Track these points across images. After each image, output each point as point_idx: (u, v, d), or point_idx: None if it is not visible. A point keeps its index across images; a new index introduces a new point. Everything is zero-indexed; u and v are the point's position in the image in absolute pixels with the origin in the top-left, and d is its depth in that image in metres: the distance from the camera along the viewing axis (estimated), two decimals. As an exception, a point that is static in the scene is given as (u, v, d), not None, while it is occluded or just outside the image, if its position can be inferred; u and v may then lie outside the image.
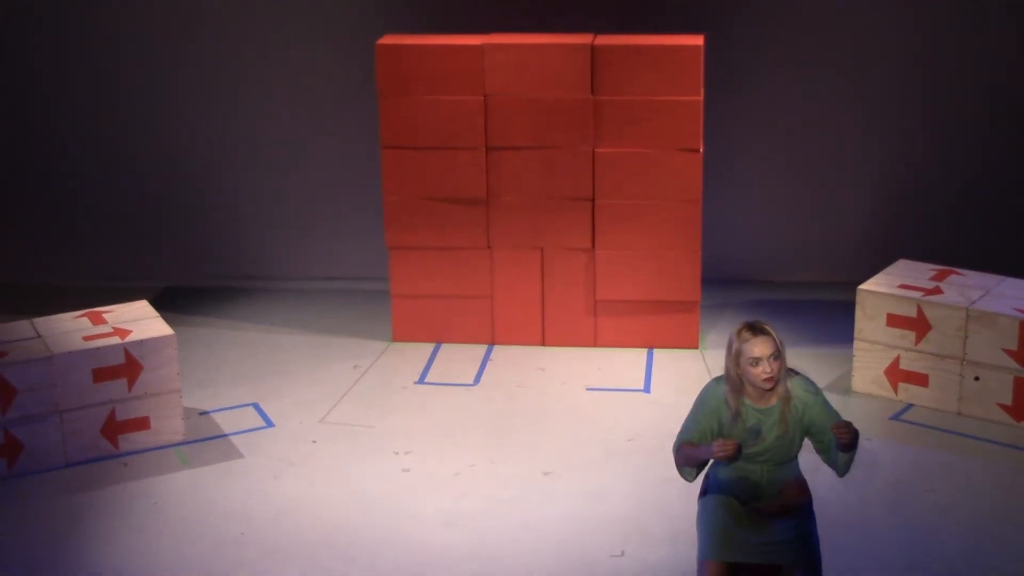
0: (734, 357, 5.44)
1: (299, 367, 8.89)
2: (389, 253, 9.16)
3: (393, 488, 7.33)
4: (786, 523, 5.53)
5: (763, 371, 5.39)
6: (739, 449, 5.32)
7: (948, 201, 9.96)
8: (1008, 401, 7.89)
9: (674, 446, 5.63)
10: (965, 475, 7.39)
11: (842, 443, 5.37)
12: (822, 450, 5.57)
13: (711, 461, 5.63)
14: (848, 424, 5.36)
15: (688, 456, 5.56)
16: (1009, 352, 7.84)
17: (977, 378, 7.96)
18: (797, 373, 5.58)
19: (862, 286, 8.31)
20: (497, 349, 9.13)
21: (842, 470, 5.53)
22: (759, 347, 5.39)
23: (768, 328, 5.43)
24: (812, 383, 5.58)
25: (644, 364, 8.86)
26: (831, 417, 5.51)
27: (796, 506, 5.58)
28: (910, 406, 8.17)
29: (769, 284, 10.04)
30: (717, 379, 5.60)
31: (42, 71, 10.14)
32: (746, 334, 5.42)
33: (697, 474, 5.68)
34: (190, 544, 6.81)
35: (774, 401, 5.48)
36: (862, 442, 7.53)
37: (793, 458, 5.57)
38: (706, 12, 9.61)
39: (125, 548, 6.78)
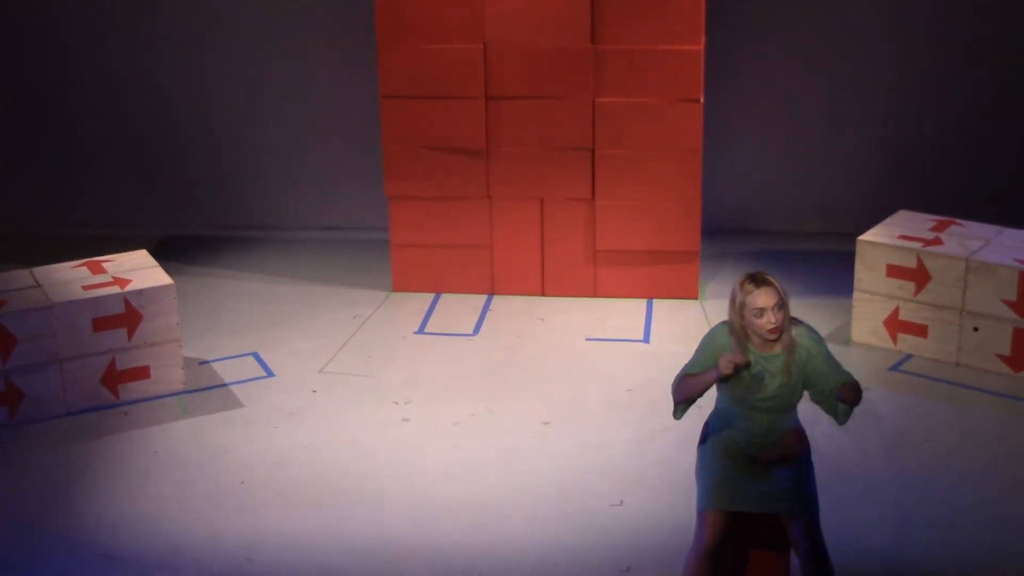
0: (738, 309, 5.43)
1: (299, 317, 8.89)
2: (389, 203, 9.14)
3: (393, 438, 7.36)
4: (784, 472, 5.55)
5: (768, 321, 5.39)
6: (747, 362, 5.35)
7: (949, 151, 9.93)
8: (1007, 351, 7.90)
9: (674, 381, 5.62)
10: (963, 425, 7.41)
11: (847, 403, 5.40)
12: (820, 400, 5.57)
13: (713, 410, 5.65)
14: (855, 387, 5.38)
15: (689, 387, 5.53)
16: (1008, 303, 7.84)
17: (976, 329, 7.97)
18: (801, 322, 5.58)
19: (862, 237, 8.30)
20: (497, 299, 9.13)
21: (841, 419, 5.55)
22: (763, 298, 5.39)
23: (771, 279, 5.43)
24: (815, 332, 5.57)
25: (644, 314, 8.86)
26: (833, 368, 5.51)
27: (794, 455, 5.59)
28: (909, 357, 8.19)
29: (769, 234, 10.02)
30: (723, 323, 5.60)
31: (35, 20, 10.07)
32: (749, 286, 5.41)
33: (685, 411, 5.66)
34: (191, 492, 6.84)
35: (777, 349, 5.48)
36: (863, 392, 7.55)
37: (794, 407, 5.58)
38: (707, -39, 9.55)
39: (126, 496, 6.81)
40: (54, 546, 6.40)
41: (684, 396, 5.59)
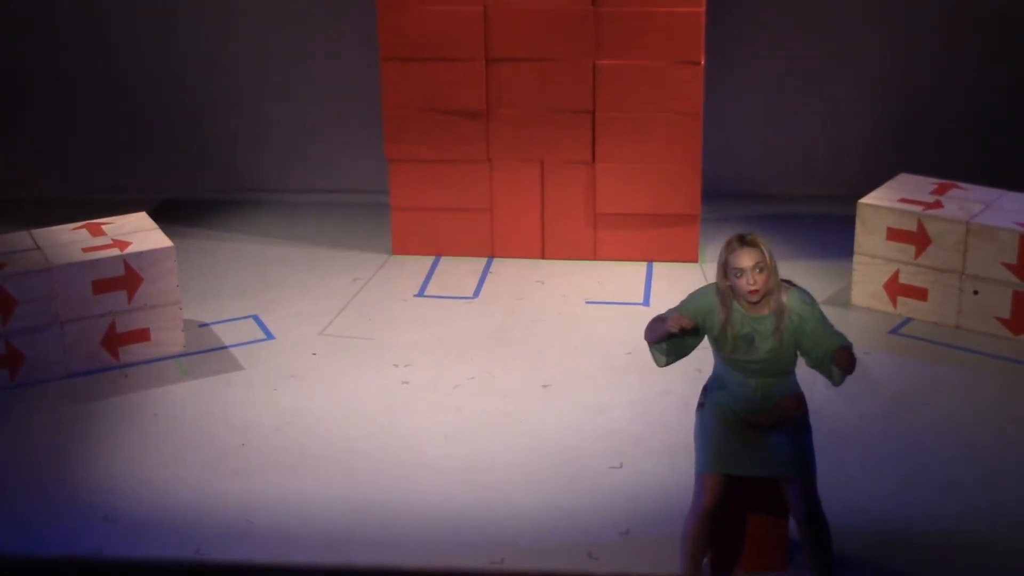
0: (721, 268, 5.44)
1: (299, 280, 8.89)
2: (389, 165, 9.12)
3: (393, 401, 7.37)
4: (781, 436, 5.56)
5: (747, 282, 5.37)
6: (693, 326, 5.42)
7: (951, 115, 9.90)
8: (1006, 315, 7.90)
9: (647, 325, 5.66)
10: (963, 388, 7.42)
11: (842, 369, 5.39)
12: (814, 364, 5.56)
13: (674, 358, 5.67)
14: (850, 354, 5.37)
15: (652, 328, 5.56)
16: (1008, 266, 7.84)
17: (976, 292, 7.97)
18: (794, 286, 5.56)
19: (862, 200, 8.29)
20: (497, 262, 9.13)
21: (837, 381, 5.54)
22: (745, 258, 5.37)
23: (757, 240, 5.40)
24: (809, 296, 5.55)
25: (644, 277, 8.86)
26: (827, 331, 5.50)
27: (792, 419, 5.60)
28: (909, 320, 8.19)
29: (770, 198, 10.00)
30: (714, 283, 5.60)
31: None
32: (734, 245, 5.41)
33: (666, 360, 5.66)
34: (190, 454, 6.86)
35: (766, 312, 5.47)
36: (860, 356, 7.55)
37: (788, 371, 5.58)
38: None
39: (125, 458, 6.83)
40: (54, 508, 6.42)
41: (649, 336, 5.61)
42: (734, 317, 5.47)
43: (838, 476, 6.41)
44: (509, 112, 8.89)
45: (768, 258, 5.39)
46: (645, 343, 5.68)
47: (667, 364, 5.70)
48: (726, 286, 5.45)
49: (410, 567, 6.00)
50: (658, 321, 5.55)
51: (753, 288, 5.37)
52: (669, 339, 5.54)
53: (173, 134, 10.31)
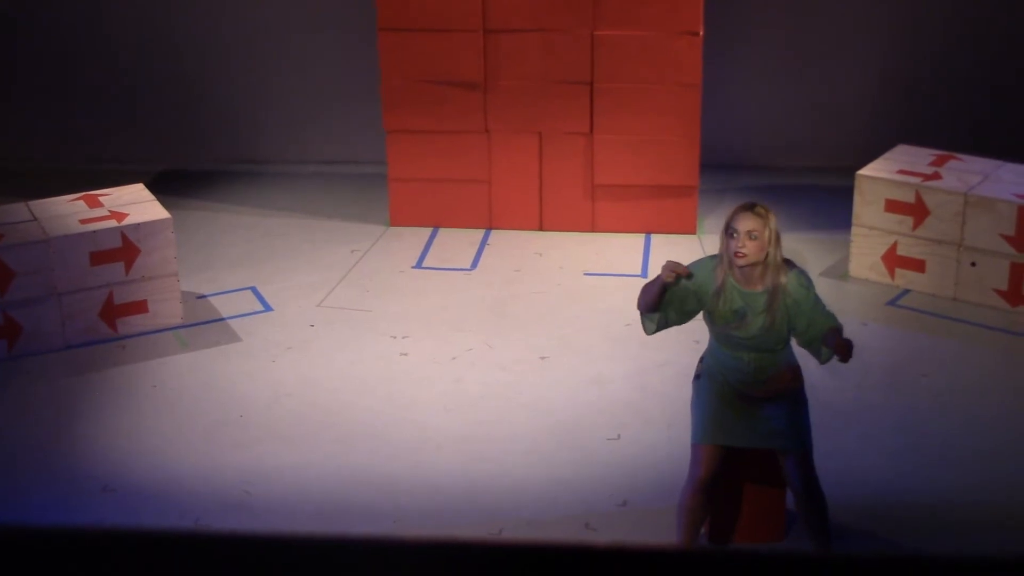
0: (723, 228, 5.46)
1: (296, 251, 8.89)
2: (387, 137, 9.10)
3: (391, 372, 7.37)
4: (778, 408, 5.56)
5: (737, 244, 5.37)
6: (688, 273, 5.41)
7: (950, 86, 9.88)
8: (1004, 286, 7.91)
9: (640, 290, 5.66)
10: (960, 360, 7.43)
11: (835, 352, 5.39)
12: (805, 345, 5.55)
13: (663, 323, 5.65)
14: (846, 342, 5.36)
15: (644, 291, 5.56)
16: (1006, 237, 7.83)
17: (974, 264, 7.97)
18: (794, 266, 5.54)
19: (861, 171, 8.28)
20: (495, 234, 9.12)
21: (824, 358, 5.55)
22: (743, 221, 5.38)
23: (763, 211, 5.40)
24: (807, 278, 5.52)
25: (642, 249, 8.86)
26: (821, 314, 5.47)
27: (788, 391, 5.60)
28: (907, 291, 8.19)
29: (769, 169, 9.99)
30: (711, 256, 5.61)
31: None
32: (739, 208, 5.45)
33: (656, 327, 5.65)
34: (189, 426, 6.87)
35: (760, 288, 5.45)
36: (858, 327, 7.57)
37: (781, 348, 5.56)
38: None
39: (124, 429, 6.84)
40: (54, 479, 6.43)
41: (641, 301, 5.58)
42: (728, 290, 5.46)
43: (835, 448, 6.42)
44: (507, 83, 8.87)
45: (768, 232, 5.37)
46: (636, 313, 5.68)
47: (655, 331, 5.68)
48: (723, 247, 5.47)
49: (408, 537, 6.01)
50: (651, 284, 5.55)
51: (740, 251, 5.37)
52: (663, 295, 5.51)
53: (171, 105, 10.28)
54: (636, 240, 8.98)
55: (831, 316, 5.50)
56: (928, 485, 6.29)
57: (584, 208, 9.09)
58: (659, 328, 5.64)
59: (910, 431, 6.72)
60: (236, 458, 6.59)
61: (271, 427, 6.86)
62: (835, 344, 5.36)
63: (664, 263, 5.45)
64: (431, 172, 9.10)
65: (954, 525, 6.02)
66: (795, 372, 5.63)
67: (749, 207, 5.43)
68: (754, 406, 5.55)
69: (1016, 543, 5.92)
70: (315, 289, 8.34)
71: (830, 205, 9.20)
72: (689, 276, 5.46)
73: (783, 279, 5.45)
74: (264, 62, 10.16)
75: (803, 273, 5.53)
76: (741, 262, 5.39)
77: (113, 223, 7.66)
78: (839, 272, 8.40)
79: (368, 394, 7.15)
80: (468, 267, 8.64)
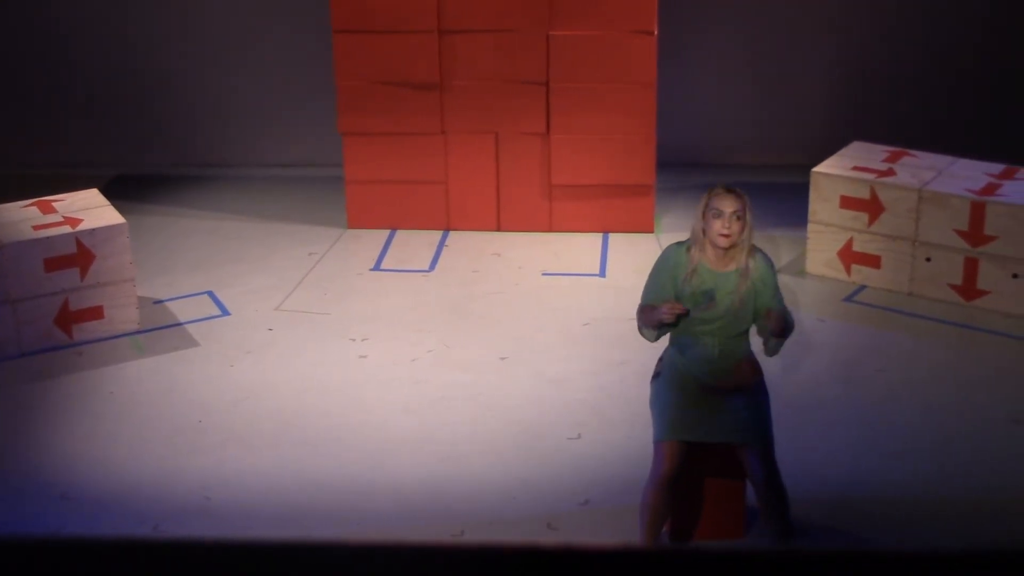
0: (701, 210, 5.52)
1: (254, 255, 8.85)
2: (342, 139, 9.08)
3: (350, 375, 7.35)
4: (739, 402, 5.59)
5: (723, 225, 5.44)
6: (686, 312, 5.43)
7: (903, 82, 9.95)
8: (958, 281, 7.97)
9: (637, 309, 5.69)
10: (916, 355, 7.48)
11: (770, 329, 5.45)
12: (758, 329, 5.64)
13: (668, 332, 5.68)
14: (780, 316, 5.42)
15: (647, 318, 5.61)
16: (960, 233, 7.89)
17: (928, 259, 8.03)
18: (760, 251, 5.65)
19: (816, 168, 8.33)
20: (452, 235, 9.11)
21: (769, 351, 5.61)
22: (727, 202, 5.47)
23: (740, 192, 5.52)
24: (771, 262, 5.67)
25: (599, 248, 8.87)
26: (778, 300, 5.59)
27: (749, 385, 5.63)
28: (862, 287, 8.24)
29: (725, 167, 10.02)
30: (676, 243, 5.66)
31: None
32: (719, 189, 5.56)
33: (657, 336, 5.69)
34: (147, 432, 6.82)
35: (731, 268, 5.53)
36: (815, 323, 7.61)
37: (744, 332, 5.62)
38: None
39: (82, 436, 6.79)
40: (10, 487, 6.37)
41: (645, 324, 5.63)
42: (700, 271, 5.52)
43: (795, 443, 6.45)
44: (463, 84, 8.86)
45: (748, 211, 5.48)
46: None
47: (658, 338, 5.73)
48: (701, 229, 5.50)
49: (369, 540, 5.98)
50: (649, 310, 5.57)
51: (726, 232, 5.44)
52: (663, 326, 5.58)
53: (125, 109, 10.21)
54: (594, 239, 9.00)
55: (783, 301, 5.61)
56: (887, 478, 6.33)
57: (541, 208, 9.10)
58: (660, 336, 5.69)
59: (868, 425, 6.76)
60: (195, 463, 6.55)
61: (230, 432, 6.82)
62: (768, 317, 5.44)
63: (665, 307, 5.43)
64: (388, 174, 9.08)
65: (913, 517, 6.06)
66: (754, 365, 5.68)
67: (728, 189, 5.53)
68: (716, 400, 5.58)
69: (974, 533, 5.96)
70: (273, 292, 8.30)
71: (786, 202, 9.24)
72: (687, 313, 5.48)
73: (752, 262, 5.53)
74: (220, 66, 10.11)
75: (768, 257, 5.69)
76: (726, 243, 5.46)
77: (67, 229, 7.60)
78: (796, 269, 8.44)
79: (328, 397, 7.12)
80: (427, 268, 8.63)
